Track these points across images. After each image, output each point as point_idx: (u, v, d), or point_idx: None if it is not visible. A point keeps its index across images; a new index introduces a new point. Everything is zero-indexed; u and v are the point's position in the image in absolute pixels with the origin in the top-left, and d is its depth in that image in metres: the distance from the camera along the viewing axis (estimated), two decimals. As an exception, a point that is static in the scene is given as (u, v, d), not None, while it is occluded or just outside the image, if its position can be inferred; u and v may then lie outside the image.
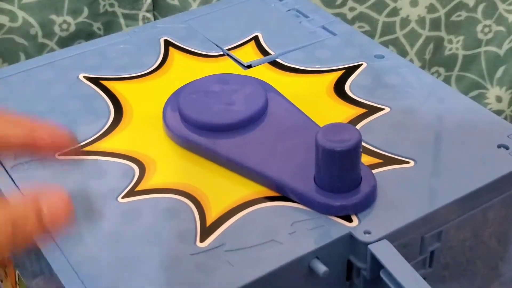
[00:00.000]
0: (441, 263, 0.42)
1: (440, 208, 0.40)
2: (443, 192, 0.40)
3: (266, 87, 0.48)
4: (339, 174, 0.39)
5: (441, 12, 0.71)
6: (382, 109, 0.47)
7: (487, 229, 0.44)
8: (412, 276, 0.36)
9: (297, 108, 0.47)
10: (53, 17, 0.65)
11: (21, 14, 0.63)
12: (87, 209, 0.41)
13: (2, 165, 0.44)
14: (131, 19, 0.68)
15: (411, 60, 0.72)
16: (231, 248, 0.38)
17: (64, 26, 0.65)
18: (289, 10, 0.58)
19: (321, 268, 0.38)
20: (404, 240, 0.39)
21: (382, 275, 0.37)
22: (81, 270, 0.37)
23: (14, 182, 0.43)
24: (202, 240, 0.39)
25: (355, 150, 0.38)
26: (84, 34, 0.66)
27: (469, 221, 0.42)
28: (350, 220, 0.39)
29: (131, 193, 0.42)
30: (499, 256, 0.48)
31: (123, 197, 0.41)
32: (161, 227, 0.40)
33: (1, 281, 0.54)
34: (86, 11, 0.65)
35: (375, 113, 0.47)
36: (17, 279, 0.47)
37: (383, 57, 0.52)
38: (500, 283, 0.51)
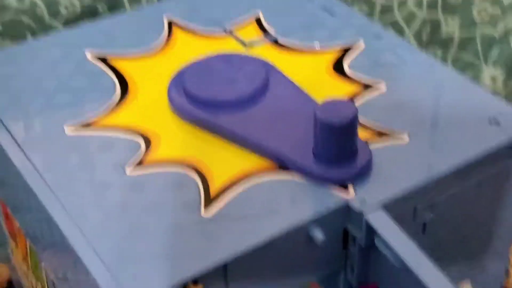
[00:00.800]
0: (433, 235, 0.44)
1: (433, 180, 0.42)
2: (436, 165, 0.42)
3: (267, 66, 0.50)
4: (337, 147, 0.41)
5: (438, -6, 0.72)
6: (379, 86, 0.49)
7: (480, 203, 0.46)
8: (406, 243, 0.38)
9: (297, 85, 0.48)
10: (59, -2, 0.66)
11: (28, -5, 0.65)
12: (96, 181, 0.43)
13: (13, 138, 0.46)
14: None
15: (408, 42, 0.73)
16: (234, 217, 0.40)
17: (70, 6, 0.67)
18: (290, -9, 0.60)
19: (319, 235, 0.40)
20: (398, 210, 0.41)
21: (376, 242, 0.39)
22: (92, 238, 0.39)
23: (26, 156, 0.45)
24: (206, 210, 0.41)
25: (352, 124, 0.40)
26: (89, 14, 0.68)
27: (461, 194, 0.44)
28: (347, 191, 0.41)
29: (138, 165, 0.44)
30: (493, 231, 0.50)
31: (130, 170, 0.43)
32: (167, 198, 0.42)
33: (11, 251, 0.56)
34: None
35: (372, 91, 0.49)
36: (28, 249, 0.49)
37: (380, 37, 0.54)
38: (493, 257, 0.53)
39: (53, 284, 0.45)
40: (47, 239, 0.43)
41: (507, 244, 0.53)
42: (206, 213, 0.40)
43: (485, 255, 0.52)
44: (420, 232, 0.44)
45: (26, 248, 0.49)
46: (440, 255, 0.45)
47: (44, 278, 0.47)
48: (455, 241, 0.47)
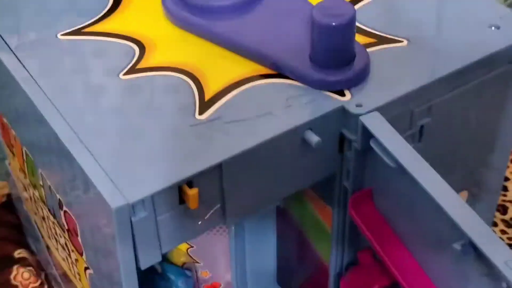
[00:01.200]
0: (430, 143, 0.44)
1: (430, 82, 0.41)
2: (434, 68, 0.42)
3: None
4: (334, 49, 0.40)
5: None
6: (378, -7, 0.48)
7: (478, 110, 0.46)
8: (401, 144, 0.38)
9: (294, -9, 0.47)
10: None
11: None
12: (91, 85, 0.42)
13: (7, 44, 0.45)
14: None
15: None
16: (229, 120, 0.40)
17: None
18: None
19: (314, 138, 0.40)
20: (395, 113, 0.41)
21: (371, 144, 0.39)
22: (88, 141, 0.39)
23: (20, 62, 0.44)
24: (201, 113, 0.40)
25: (350, 24, 0.40)
26: None
27: (459, 99, 0.44)
28: (343, 95, 0.41)
29: (132, 70, 0.43)
30: (490, 143, 0.50)
31: (124, 74, 0.43)
32: (162, 102, 0.41)
33: (9, 164, 0.56)
34: None
35: (371, -3, 0.48)
36: (24, 157, 0.49)
37: None
38: (490, 171, 0.53)
39: (50, 189, 0.45)
40: (43, 144, 0.43)
41: (505, 158, 0.53)
42: (201, 117, 0.40)
43: (482, 168, 0.52)
44: (417, 139, 0.44)
45: (23, 156, 0.49)
46: (436, 165, 0.45)
47: (41, 184, 0.47)
48: (451, 151, 0.47)
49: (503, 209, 0.69)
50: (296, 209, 0.53)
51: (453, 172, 0.48)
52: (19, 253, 0.66)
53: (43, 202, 0.49)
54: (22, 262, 0.65)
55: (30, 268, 0.65)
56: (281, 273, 0.59)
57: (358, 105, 0.40)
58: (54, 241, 0.51)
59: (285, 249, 0.57)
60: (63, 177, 0.43)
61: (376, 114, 0.39)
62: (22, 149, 0.49)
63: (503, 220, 0.68)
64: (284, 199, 0.50)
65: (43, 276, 0.64)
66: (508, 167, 0.68)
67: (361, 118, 0.39)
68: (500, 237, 0.67)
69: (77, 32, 0.46)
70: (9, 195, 0.67)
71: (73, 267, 0.49)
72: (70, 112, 0.41)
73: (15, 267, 0.65)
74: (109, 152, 0.39)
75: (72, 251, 0.47)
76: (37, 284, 0.64)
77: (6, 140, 0.52)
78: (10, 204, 0.67)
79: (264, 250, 0.58)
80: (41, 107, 0.41)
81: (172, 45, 0.45)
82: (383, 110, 0.40)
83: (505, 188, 0.70)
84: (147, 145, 0.39)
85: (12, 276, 0.64)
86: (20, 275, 0.64)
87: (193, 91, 0.42)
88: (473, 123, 0.47)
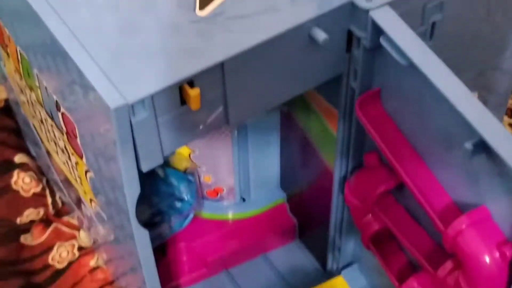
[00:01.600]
0: (441, 41, 0.42)
1: (445, -24, 0.39)
2: (449, -40, 0.40)
3: None
4: None
5: None
6: None
7: (489, 7, 0.44)
8: (413, 40, 0.36)
9: None
10: None
11: None
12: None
13: None
14: None
15: None
16: (231, 16, 0.38)
17: None
18: None
19: (321, 35, 0.38)
20: (406, 8, 0.38)
21: (382, 41, 0.37)
22: (83, 38, 0.37)
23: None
24: (201, 9, 0.38)
25: None
26: None
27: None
28: (352, -11, 0.39)
29: (129, -36, 0.41)
30: (502, 47, 0.48)
31: (120, -32, 0.41)
32: (160, -3, 0.39)
33: (4, 66, 0.54)
34: None
35: None
36: (19, 58, 0.47)
37: None
38: (501, 76, 0.51)
39: (46, 90, 0.44)
40: (38, 44, 0.42)
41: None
42: (201, 12, 0.38)
43: (492, 70, 0.50)
44: (428, 36, 0.42)
45: (18, 57, 0.47)
46: (447, 65, 0.43)
47: (37, 85, 0.46)
48: (462, 51, 0.45)
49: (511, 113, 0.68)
50: (300, 113, 0.52)
51: (463, 74, 0.46)
52: (19, 157, 0.65)
53: (40, 104, 0.47)
54: (22, 167, 0.64)
55: (31, 173, 0.64)
56: (285, 178, 0.59)
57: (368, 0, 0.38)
58: (53, 144, 0.50)
59: (288, 154, 0.56)
60: (59, 77, 0.41)
61: (387, 8, 0.37)
62: (16, 49, 0.47)
63: (511, 124, 0.67)
64: (288, 102, 0.49)
65: (44, 181, 0.64)
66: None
67: (370, 13, 0.37)
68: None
69: None
70: (6, 100, 0.66)
71: (73, 170, 0.48)
72: (64, 8, 0.39)
73: (15, 171, 0.64)
74: (106, 50, 0.37)
75: (72, 154, 0.46)
76: (39, 189, 0.63)
77: (0, 41, 0.51)
78: (8, 109, 0.66)
79: (267, 155, 0.57)
80: (34, 2, 0.39)
81: None
82: (394, 4, 0.38)
83: (514, 92, 0.68)
84: (145, 43, 0.37)
85: (12, 181, 0.64)
86: (21, 179, 0.64)
87: (193, -14, 0.40)
88: (484, 23, 0.45)
